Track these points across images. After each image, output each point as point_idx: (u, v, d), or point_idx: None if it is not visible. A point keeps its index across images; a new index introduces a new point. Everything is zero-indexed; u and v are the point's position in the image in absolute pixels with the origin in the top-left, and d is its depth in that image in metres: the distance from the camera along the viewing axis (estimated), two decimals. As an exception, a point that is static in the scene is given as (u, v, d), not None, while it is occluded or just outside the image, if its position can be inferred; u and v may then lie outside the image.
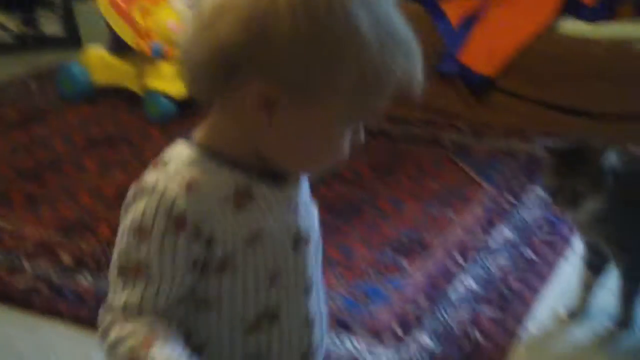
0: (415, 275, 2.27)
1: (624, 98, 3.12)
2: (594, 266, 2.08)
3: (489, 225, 2.54)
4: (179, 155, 0.96)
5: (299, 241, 1.01)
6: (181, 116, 3.31)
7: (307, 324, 1.04)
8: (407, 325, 2.04)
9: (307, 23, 0.87)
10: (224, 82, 0.91)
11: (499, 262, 2.33)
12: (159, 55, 3.39)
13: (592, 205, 1.90)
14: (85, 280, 2.23)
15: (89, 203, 2.70)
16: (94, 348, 1.93)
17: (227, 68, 0.90)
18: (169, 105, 3.35)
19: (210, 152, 0.95)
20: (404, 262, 2.33)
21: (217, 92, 0.94)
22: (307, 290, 1.03)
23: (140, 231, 0.92)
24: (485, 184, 2.81)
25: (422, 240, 2.45)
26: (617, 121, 3.10)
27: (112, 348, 0.91)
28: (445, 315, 2.08)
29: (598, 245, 2.04)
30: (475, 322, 2.06)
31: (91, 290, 2.18)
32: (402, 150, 3.11)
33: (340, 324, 2.04)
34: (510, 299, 2.16)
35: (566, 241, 2.41)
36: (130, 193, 0.96)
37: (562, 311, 2.11)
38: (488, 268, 2.30)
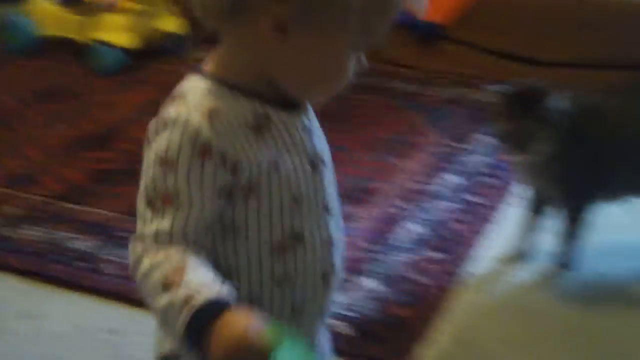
0: (362, 221, 2.29)
1: (572, 46, 3.16)
2: (537, 208, 2.12)
3: (434, 171, 2.57)
4: (196, 87, 0.97)
5: (316, 162, 1.04)
6: (133, 67, 3.28)
7: (329, 244, 1.06)
8: (353, 270, 2.06)
9: None
10: (238, 6, 0.93)
11: (443, 207, 2.37)
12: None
13: (541, 147, 1.93)
14: (31, 232, 2.22)
15: (34, 156, 2.67)
16: (44, 299, 1.93)
17: None
18: (117, 57, 3.31)
19: (225, 82, 0.97)
20: (351, 209, 2.35)
21: (230, 16, 0.94)
22: (328, 210, 1.06)
23: (167, 162, 0.93)
24: (433, 132, 2.84)
25: (369, 187, 2.47)
26: (564, 68, 3.14)
27: (146, 275, 0.92)
28: (391, 259, 2.11)
29: (543, 188, 2.08)
30: (419, 265, 2.09)
31: (37, 241, 2.18)
32: (351, 99, 3.11)
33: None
34: (454, 241, 2.20)
35: (509, 185, 2.45)
36: (151, 128, 0.97)
37: (504, 253, 2.16)
38: (432, 212, 2.33)
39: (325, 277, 1.07)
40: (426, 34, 3.31)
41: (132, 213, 0.99)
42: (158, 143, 0.95)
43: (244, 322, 0.87)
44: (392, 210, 2.35)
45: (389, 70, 3.32)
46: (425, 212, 2.34)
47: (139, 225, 0.95)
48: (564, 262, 2.10)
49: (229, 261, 0.99)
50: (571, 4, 3.18)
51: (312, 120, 1.06)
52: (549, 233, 2.16)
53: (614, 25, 3.15)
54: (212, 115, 0.94)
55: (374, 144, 2.75)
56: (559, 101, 1.92)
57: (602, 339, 1.88)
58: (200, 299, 0.88)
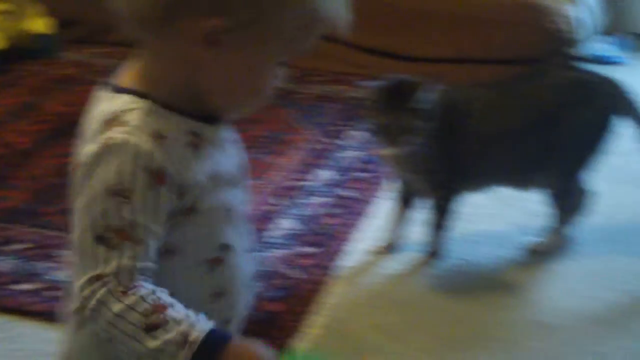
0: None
1: (443, 42, 3.25)
2: (406, 200, 2.17)
3: (308, 167, 2.59)
4: (131, 108, 0.93)
5: (240, 176, 1.06)
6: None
7: (250, 251, 1.09)
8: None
9: None
10: (170, 15, 0.90)
11: (317, 202, 2.39)
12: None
13: (410, 140, 1.96)
14: None
15: None
16: None
17: (171, 4, 0.89)
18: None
19: (158, 100, 0.94)
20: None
21: (160, 26, 0.91)
22: (246, 221, 1.08)
23: (120, 192, 0.88)
24: (306, 129, 2.86)
25: (243, 185, 2.47)
26: (435, 63, 3.22)
27: (119, 318, 0.88)
28: (265, 256, 2.12)
29: (411, 180, 2.12)
30: (292, 260, 2.10)
31: None
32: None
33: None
34: (327, 236, 2.22)
35: (381, 179, 2.49)
36: (86, 156, 0.91)
37: (376, 245, 2.19)
38: (306, 208, 2.35)
39: (248, 284, 1.09)
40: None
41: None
42: (104, 173, 0.89)
43: (256, 351, 0.90)
44: (266, 207, 2.35)
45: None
46: (299, 208, 2.35)
47: (90, 264, 0.89)
48: (433, 251, 2.15)
49: (167, 283, 0.95)
50: (443, 2, 3.27)
51: (232, 132, 1.07)
52: (419, 224, 2.22)
53: (485, 22, 3.25)
54: (159, 138, 0.91)
55: (248, 142, 2.73)
56: (428, 95, 1.96)
57: (471, 325, 1.93)
58: (197, 334, 0.88)
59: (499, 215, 2.37)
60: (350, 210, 2.35)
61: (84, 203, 0.90)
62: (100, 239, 0.89)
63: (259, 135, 2.81)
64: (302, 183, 2.49)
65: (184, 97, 0.96)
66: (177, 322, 0.88)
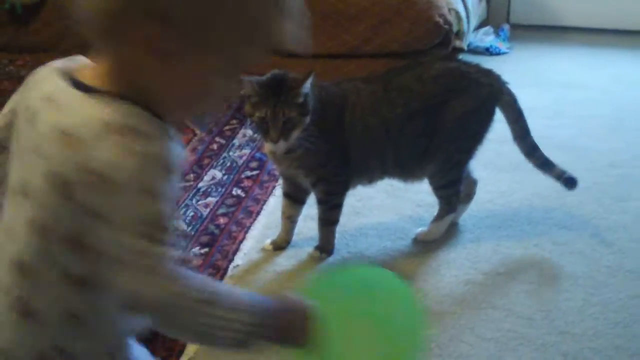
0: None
1: (324, 38, 3.29)
2: (294, 197, 2.19)
3: (200, 168, 2.59)
4: (129, 112, 0.98)
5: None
6: None
7: None
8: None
9: None
10: (117, 26, 0.96)
11: (208, 202, 2.39)
12: None
13: (293, 135, 1.98)
14: None
15: None
16: None
17: (120, 12, 0.95)
18: None
19: (138, 104, 1.00)
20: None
21: (108, 37, 0.98)
22: None
23: (151, 191, 0.96)
24: (197, 129, 2.85)
25: (133, 189, 2.45)
26: (316, 59, 3.25)
27: (186, 295, 0.99)
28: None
29: (298, 175, 2.14)
30: (184, 261, 2.10)
31: None
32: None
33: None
34: (218, 236, 2.22)
35: (273, 177, 2.51)
36: (120, 170, 0.95)
37: (267, 242, 2.21)
38: (199, 209, 2.35)
39: None
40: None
41: None
42: (133, 176, 0.95)
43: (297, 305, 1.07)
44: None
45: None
46: (192, 209, 2.35)
47: (141, 260, 0.97)
48: (324, 246, 2.19)
49: None
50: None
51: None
52: (309, 220, 2.25)
53: (371, 17, 3.30)
54: (168, 139, 0.99)
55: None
56: (308, 90, 1.99)
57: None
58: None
59: (387, 207, 2.42)
60: (243, 209, 2.36)
61: (117, 207, 0.95)
62: (144, 235, 0.97)
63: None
64: (194, 184, 2.49)
65: (146, 99, 1.01)
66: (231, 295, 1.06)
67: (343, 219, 2.24)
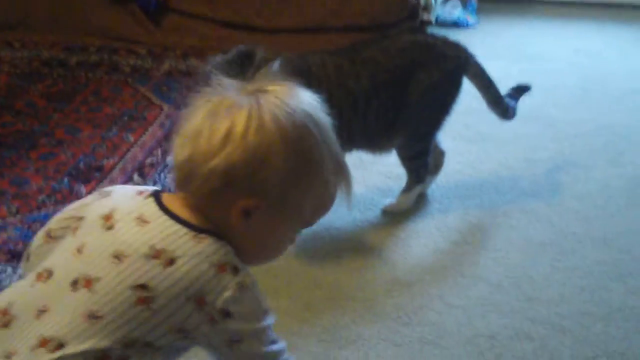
0: (93, 199, 2.25)
1: (290, 12, 3.27)
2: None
3: (168, 143, 2.58)
4: (225, 250, 1.12)
5: None
6: None
7: None
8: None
9: (295, 159, 1.12)
10: (220, 191, 1.11)
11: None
12: None
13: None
14: None
15: None
16: None
17: (226, 183, 1.10)
18: None
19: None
20: (82, 188, 2.31)
21: (212, 196, 1.12)
22: None
23: (264, 312, 1.15)
24: (164, 105, 2.83)
25: (100, 165, 2.43)
26: (288, 34, 3.25)
27: None
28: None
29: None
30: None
31: None
32: (80, 78, 3.04)
33: (13, 255, 2.00)
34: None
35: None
36: (229, 296, 1.10)
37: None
38: (166, 184, 2.34)
39: None
40: (149, 8, 3.29)
41: None
42: (251, 304, 1.13)
43: None
44: (131, 185, 2.32)
45: (117, 47, 3.26)
46: (160, 184, 2.34)
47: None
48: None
49: None
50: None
51: None
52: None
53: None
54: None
55: (104, 122, 2.70)
56: (272, 64, 1.98)
57: (330, 288, 1.98)
58: None
59: (355, 178, 2.39)
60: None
61: (251, 333, 1.14)
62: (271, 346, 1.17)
63: (114, 114, 2.76)
64: (161, 159, 2.47)
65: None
66: None
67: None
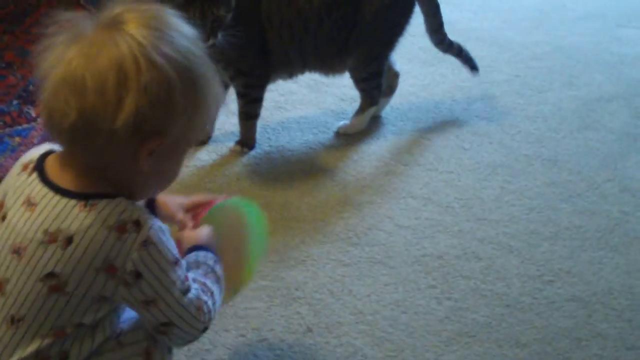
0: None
1: None
2: (215, 92, 2.16)
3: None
4: (120, 208, 1.07)
5: None
6: None
7: None
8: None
9: (190, 89, 1.08)
10: (124, 142, 1.04)
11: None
12: None
13: (213, 31, 1.94)
14: None
15: None
16: None
17: (133, 132, 1.04)
18: None
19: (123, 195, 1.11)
20: (31, 111, 2.27)
21: (113, 149, 1.06)
22: None
23: (173, 263, 1.12)
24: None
25: (50, 87, 2.39)
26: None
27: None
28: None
29: (220, 70, 2.11)
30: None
31: None
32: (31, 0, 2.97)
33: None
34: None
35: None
36: (137, 257, 1.07)
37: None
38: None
39: None
40: None
41: None
42: (158, 256, 1.09)
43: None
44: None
45: None
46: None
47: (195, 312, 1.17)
48: (245, 141, 2.18)
49: None
50: None
51: None
52: (231, 115, 2.23)
53: None
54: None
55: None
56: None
57: (284, 209, 1.98)
58: None
59: (309, 101, 2.41)
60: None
61: (163, 284, 1.11)
62: (186, 295, 1.15)
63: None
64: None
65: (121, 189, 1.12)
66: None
67: (265, 113, 2.22)
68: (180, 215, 1.35)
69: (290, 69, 2.18)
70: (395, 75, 2.36)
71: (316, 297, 1.73)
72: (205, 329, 1.19)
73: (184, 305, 1.14)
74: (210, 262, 1.25)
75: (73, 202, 1.07)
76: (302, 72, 2.20)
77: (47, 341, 1.08)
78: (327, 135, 2.27)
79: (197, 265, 1.24)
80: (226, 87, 2.15)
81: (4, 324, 1.09)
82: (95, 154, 1.07)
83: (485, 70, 2.59)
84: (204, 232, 1.30)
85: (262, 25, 2.06)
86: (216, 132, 2.22)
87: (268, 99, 2.21)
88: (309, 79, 2.35)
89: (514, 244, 1.90)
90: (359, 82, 2.24)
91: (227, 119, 2.24)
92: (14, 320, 1.08)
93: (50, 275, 1.06)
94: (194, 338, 1.19)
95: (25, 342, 1.08)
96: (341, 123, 2.29)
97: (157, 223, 1.10)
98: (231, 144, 2.18)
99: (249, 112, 2.16)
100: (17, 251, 1.08)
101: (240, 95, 2.14)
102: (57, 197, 1.08)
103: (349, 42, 2.14)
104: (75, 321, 1.09)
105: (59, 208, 1.07)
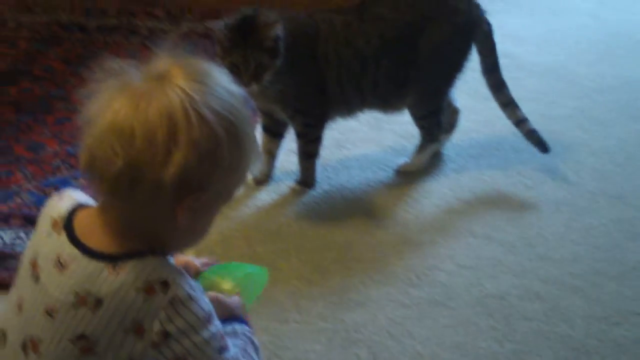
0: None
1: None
2: (273, 131, 2.18)
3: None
4: (149, 268, 1.07)
5: None
6: None
7: None
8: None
9: (235, 146, 1.07)
10: (168, 195, 1.05)
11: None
12: None
13: (267, 73, 1.96)
14: None
15: None
16: None
17: (179, 186, 1.04)
18: None
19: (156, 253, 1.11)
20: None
21: (154, 203, 1.06)
22: None
23: (205, 321, 1.10)
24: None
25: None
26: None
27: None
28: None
29: (275, 111, 2.13)
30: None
31: None
32: (98, 42, 3.04)
33: (28, 220, 2.02)
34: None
35: (253, 112, 2.49)
36: (164, 316, 1.07)
37: (249, 177, 2.20)
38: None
39: None
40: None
41: None
42: (196, 314, 1.09)
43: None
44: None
45: (135, 9, 3.25)
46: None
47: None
48: (305, 180, 2.18)
49: None
50: None
51: None
52: (291, 154, 2.24)
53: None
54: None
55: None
56: (280, 32, 1.96)
57: (342, 249, 1.97)
58: None
59: (369, 139, 2.41)
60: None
61: (195, 343, 1.09)
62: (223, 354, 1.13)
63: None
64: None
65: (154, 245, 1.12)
66: None
67: (325, 152, 2.23)
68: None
69: (348, 108, 2.18)
70: (456, 111, 2.34)
71: (375, 339, 1.71)
72: None
73: None
74: (248, 334, 1.24)
75: (102, 265, 1.07)
76: (360, 110, 2.21)
77: None
78: (387, 174, 2.26)
79: (235, 335, 1.23)
80: (284, 126, 2.17)
81: None
82: (134, 206, 1.08)
83: (549, 105, 2.56)
84: (236, 302, 1.29)
85: (320, 65, 2.07)
86: (276, 172, 2.23)
87: (328, 137, 2.21)
88: (369, 116, 2.35)
89: (579, 284, 1.86)
90: (418, 119, 2.23)
91: (287, 158, 2.25)
92: None
93: (82, 337, 1.07)
94: None
95: None
96: (401, 161, 2.27)
97: (188, 281, 1.09)
98: (291, 183, 2.19)
99: (309, 151, 2.17)
100: (50, 313, 1.09)
101: (299, 135, 2.15)
102: (86, 260, 1.08)
103: (407, 80, 2.13)
104: None
105: (89, 271, 1.07)
